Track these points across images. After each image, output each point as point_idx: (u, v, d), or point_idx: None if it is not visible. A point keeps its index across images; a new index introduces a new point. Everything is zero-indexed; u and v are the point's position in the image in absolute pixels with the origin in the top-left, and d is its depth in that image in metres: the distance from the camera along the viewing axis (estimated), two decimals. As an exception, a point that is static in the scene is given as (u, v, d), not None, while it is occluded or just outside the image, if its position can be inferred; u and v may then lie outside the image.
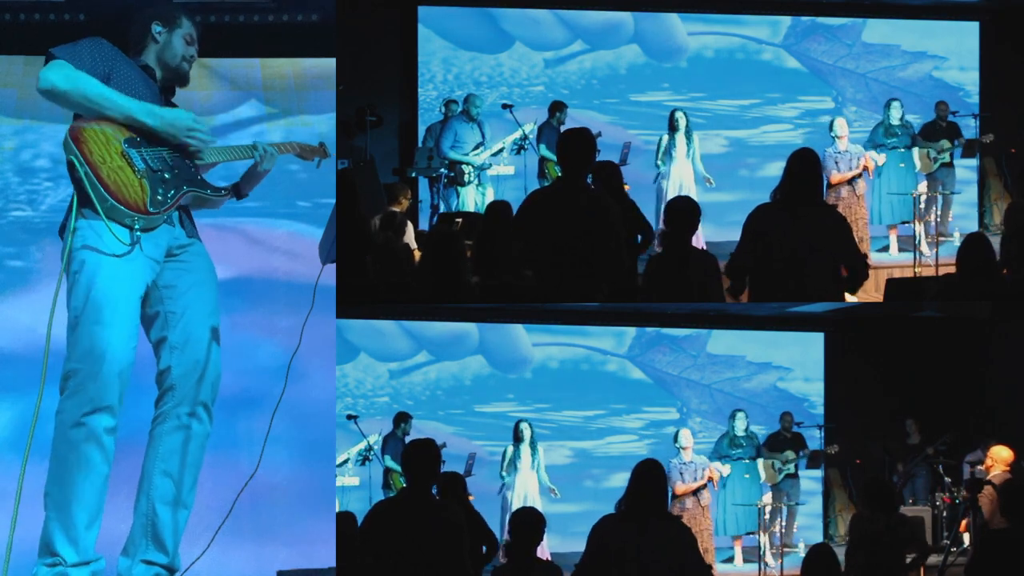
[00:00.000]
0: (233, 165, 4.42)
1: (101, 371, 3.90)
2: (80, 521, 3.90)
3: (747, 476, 9.59)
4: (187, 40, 4.32)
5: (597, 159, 6.36)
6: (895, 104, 9.85)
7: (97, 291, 3.93)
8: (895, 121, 9.84)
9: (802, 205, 5.38)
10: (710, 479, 9.39)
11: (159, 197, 4.02)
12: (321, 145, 4.69)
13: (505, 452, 9.29)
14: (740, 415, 9.70)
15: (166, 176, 4.07)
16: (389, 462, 9.00)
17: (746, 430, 9.68)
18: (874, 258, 9.41)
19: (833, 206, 5.51)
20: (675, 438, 9.48)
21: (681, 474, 9.27)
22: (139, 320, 4.08)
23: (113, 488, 4.07)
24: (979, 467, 7.74)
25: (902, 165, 9.80)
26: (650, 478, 4.99)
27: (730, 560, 9.68)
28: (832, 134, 9.35)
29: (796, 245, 5.33)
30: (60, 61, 4.00)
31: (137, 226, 3.95)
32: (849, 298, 8.49)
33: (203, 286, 4.21)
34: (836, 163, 9.14)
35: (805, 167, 5.43)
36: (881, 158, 9.67)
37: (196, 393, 4.14)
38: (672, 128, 9.64)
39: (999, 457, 7.28)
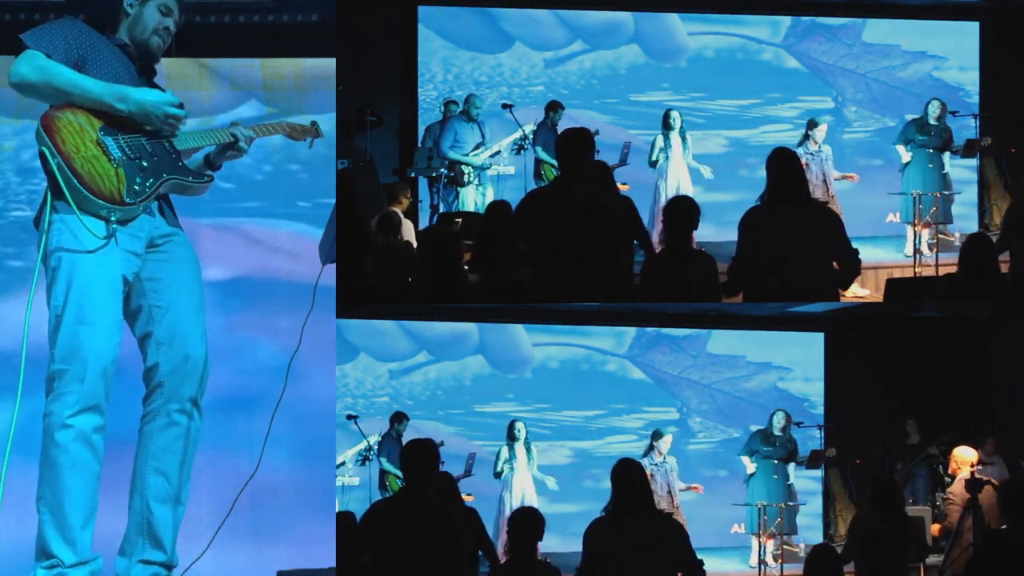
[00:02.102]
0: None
1: (87, 371, 3.81)
2: (75, 522, 3.83)
3: (775, 476, 9.56)
4: (162, 11, 4.10)
5: (596, 159, 6.35)
6: (935, 103, 9.82)
7: (77, 289, 3.83)
8: (932, 120, 9.81)
9: (785, 204, 5.37)
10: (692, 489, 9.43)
11: (136, 187, 3.87)
12: (313, 124, 4.45)
13: (499, 452, 9.28)
14: (780, 414, 9.65)
15: (144, 164, 3.92)
16: (385, 463, 8.99)
17: (784, 430, 9.65)
18: (876, 258, 9.42)
19: (824, 203, 5.50)
20: (655, 436, 9.48)
21: (652, 475, 9.24)
22: (121, 315, 3.97)
23: (113, 486, 4.06)
24: (949, 471, 7.69)
25: (931, 165, 9.77)
26: (628, 478, 4.98)
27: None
28: (809, 133, 9.41)
29: (779, 244, 5.33)
30: (31, 52, 3.87)
31: (113, 217, 3.82)
32: (849, 298, 8.52)
33: (187, 277, 4.08)
34: (807, 164, 9.12)
35: (785, 166, 5.43)
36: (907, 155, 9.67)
37: (185, 389, 4.03)
38: (667, 127, 9.64)
39: (962, 459, 7.22)
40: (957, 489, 6.98)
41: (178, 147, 4.05)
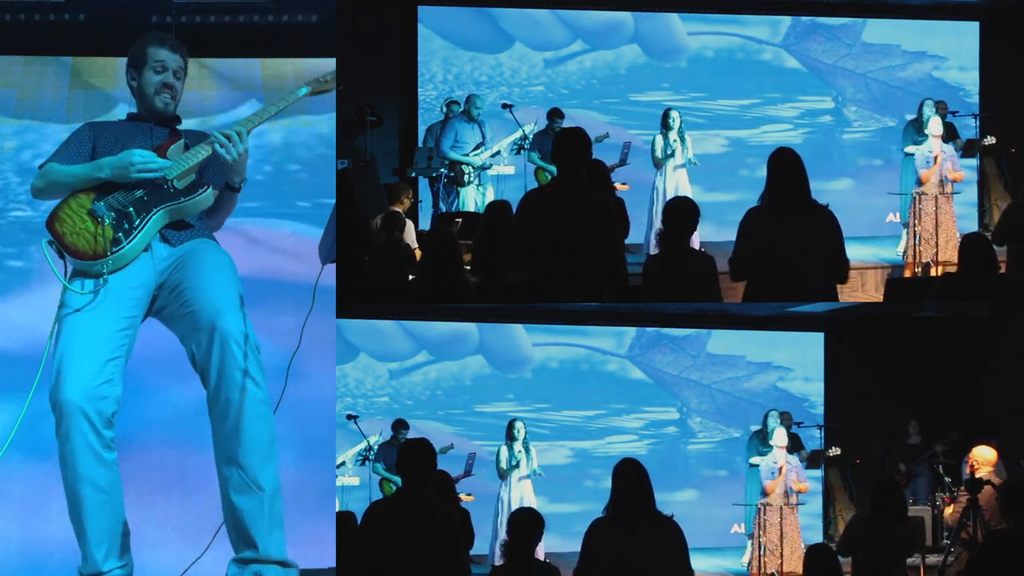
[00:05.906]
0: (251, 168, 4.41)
1: (59, 418, 3.99)
2: (81, 537, 4.08)
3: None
4: (156, 69, 4.35)
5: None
6: (928, 103, 9.81)
7: (59, 351, 4.04)
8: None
9: (788, 206, 5.35)
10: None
11: (120, 235, 4.09)
12: (327, 79, 4.67)
13: (499, 452, 9.26)
14: (774, 414, 9.60)
15: (130, 211, 4.13)
16: (379, 468, 8.98)
17: None
18: (876, 258, 9.44)
19: (825, 206, 5.44)
20: (769, 435, 9.42)
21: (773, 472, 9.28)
22: (106, 358, 4.06)
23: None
24: (964, 471, 7.68)
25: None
26: (631, 479, 4.96)
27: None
28: (927, 132, 9.40)
29: (782, 247, 5.31)
30: (38, 169, 4.25)
31: (105, 269, 4.05)
32: (849, 298, 8.51)
33: (205, 270, 4.18)
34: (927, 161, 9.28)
35: (784, 167, 5.39)
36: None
37: (224, 365, 4.01)
38: (665, 127, 9.61)
39: (983, 459, 7.20)
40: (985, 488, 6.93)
41: (173, 176, 4.22)
